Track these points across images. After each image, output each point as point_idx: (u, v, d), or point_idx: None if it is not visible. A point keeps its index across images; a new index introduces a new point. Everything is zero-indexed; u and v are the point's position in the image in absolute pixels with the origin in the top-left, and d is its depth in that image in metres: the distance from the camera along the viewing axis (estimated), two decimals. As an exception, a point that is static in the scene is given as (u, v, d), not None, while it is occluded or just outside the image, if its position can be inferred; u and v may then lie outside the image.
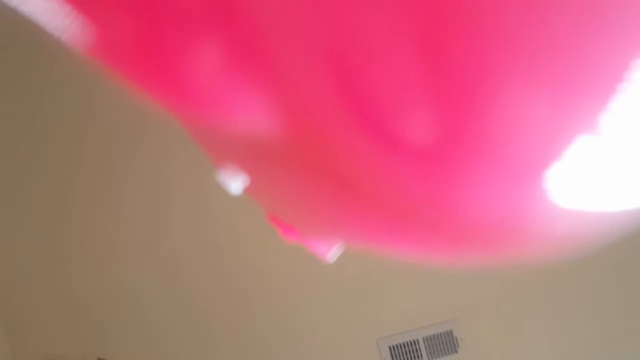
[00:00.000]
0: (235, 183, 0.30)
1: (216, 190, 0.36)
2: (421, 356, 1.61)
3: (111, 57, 0.23)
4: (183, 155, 1.45)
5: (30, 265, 1.56)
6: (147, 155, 1.57)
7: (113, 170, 1.57)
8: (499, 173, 0.22)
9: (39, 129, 1.55)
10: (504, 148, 0.21)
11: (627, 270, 1.61)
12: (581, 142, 0.19)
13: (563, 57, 0.18)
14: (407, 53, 0.19)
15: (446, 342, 1.61)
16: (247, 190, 0.31)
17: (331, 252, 0.38)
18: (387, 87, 0.20)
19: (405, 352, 1.61)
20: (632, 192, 0.22)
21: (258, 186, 0.32)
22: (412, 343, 1.61)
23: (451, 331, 1.61)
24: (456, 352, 1.61)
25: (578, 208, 0.22)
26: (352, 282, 1.57)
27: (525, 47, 0.18)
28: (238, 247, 1.58)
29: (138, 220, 1.58)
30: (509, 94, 0.19)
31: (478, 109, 0.20)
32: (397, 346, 1.61)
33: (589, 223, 0.24)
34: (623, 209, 0.22)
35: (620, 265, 1.58)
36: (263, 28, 0.19)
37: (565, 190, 0.21)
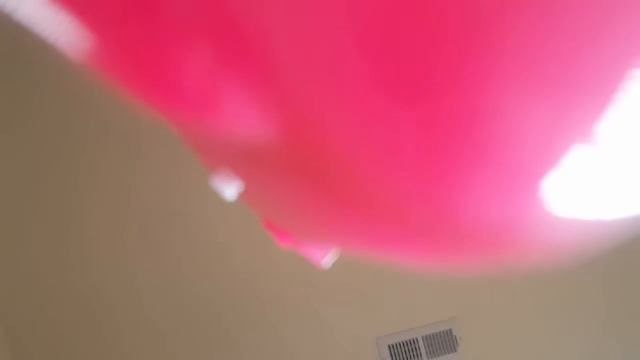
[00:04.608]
0: (229, 189, 0.30)
1: (215, 194, 0.36)
2: (421, 355, 1.61)
3: (105, 62, 0.23)
4: (181, 157, 1.45)
5: (30, 265, 1.56)
6: (144, 156, 1.57)
7: (113, 173, 1.57)
8: (495, 181, 0.22)
9: (37, 131, 1.55)
10: (501, 156, 0.21)
11: (624, 275, 1.61)
12: (578, 151, 0.19)
13: (561, 65, 0.18)
14: (405, 56, 0.18)
15: (446, 341, 1.61)
16: (242, 196, 0.31)
17: (327, 258, 0.38)
18: (385, 89, 0.20)
19: (405, 351, 1.61)
20: (627, 200, 0.21)
21: (253, 192, 0.31)
22: (412, 342, 1.61)
23: (451, 330, 1.61)
24: (456, 351, 1.61)
25: (574, 217, 0.22)
26: (352, 280, 1.57)
27: (523, 55, 0.18)
28: (237, 247, 1.58)
29: (136, 221, 1.58)
30: (506, 102, 0.19)
31: (475, 116, 0.19)
32: (396, 345, 1.61)
33: (585, 231, 0.23)
34: (619, 218, 0.22)
35: (616, 271, 1.59)
36: (260, 32, 0.19)
37: (561, 199, 0.21)
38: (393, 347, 1.61)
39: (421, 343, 1.61)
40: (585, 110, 0.18)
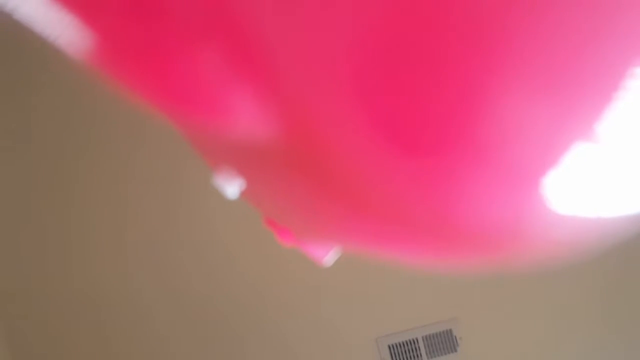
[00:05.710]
0: (231, 187, 0.30)
1: (217, 192, 0.36)
2: (420, 355, 1.61)
3: (107, 61, 0.23)
4: (183, 155, 1.45)
5: (30, 264, 1.56)
6: (146, 154, 1.57)
7: (114, 172, 1.57)
8: (496, 179, 0.22)
9: (38, 129, 1.55)
10: (502, 154, 0.21)
11: (624, 274, 1.61)
12: (579, 149, 0.19)
13: (561, 63, 0.18)
14: (404, 57, 0.18)
15: (446, 341, 1.61)
16: (243, 194, 0.31)
17: (328, 256, 0.38)
18: (384, 91, 0.20)
19: (405, 351, 1.61)
20: (628, 198, 0.22)
21: (255, 190, 0.31)
22: (412, 342, 1.61)
23: (451, 330, 1.61)
24: (456, 351, 1.61)
25: (575, 214, 0.22)
26: (352, 280, 1.57)
27: (523, 53, 0.18)
28: (238, 246, 1.58)
29: (138, 219, 1.58)
30: (507, 100, 0.19)
31: (475, 115, 0.19)
32: (396, 345, 1.61)
33: (585, 229, 0.24)
34: (619, 215, 0.22)
35: (617, 269, 1.58)
36: (263, 31, 0.19)
37: (562, 196, 0.21)
38: (393, 347, 1.61)
39: (421, 343, 1.61)
40: (586, 107, 0.18)
